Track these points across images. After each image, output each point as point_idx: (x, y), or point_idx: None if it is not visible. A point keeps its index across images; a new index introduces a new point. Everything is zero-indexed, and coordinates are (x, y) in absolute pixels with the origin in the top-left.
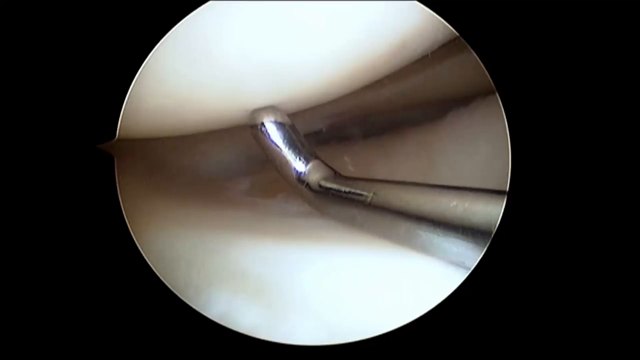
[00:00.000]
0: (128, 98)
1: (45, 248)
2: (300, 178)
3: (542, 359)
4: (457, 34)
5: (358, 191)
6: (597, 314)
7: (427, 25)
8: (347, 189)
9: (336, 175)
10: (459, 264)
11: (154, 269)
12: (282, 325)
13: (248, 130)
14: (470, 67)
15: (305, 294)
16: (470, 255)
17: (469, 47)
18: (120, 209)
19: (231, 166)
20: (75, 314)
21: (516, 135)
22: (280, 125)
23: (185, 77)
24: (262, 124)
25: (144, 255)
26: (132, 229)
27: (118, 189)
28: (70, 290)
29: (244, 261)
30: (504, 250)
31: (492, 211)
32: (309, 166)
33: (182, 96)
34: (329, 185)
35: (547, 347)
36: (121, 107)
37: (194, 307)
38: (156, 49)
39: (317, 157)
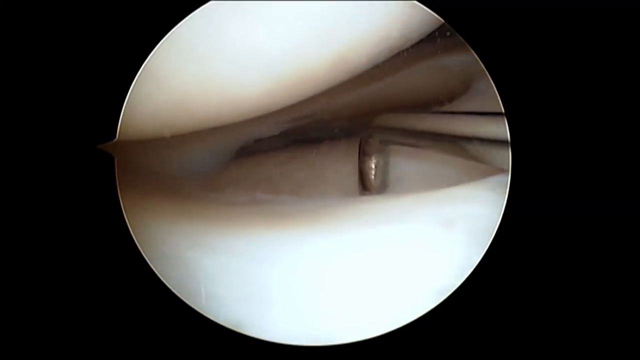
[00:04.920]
0: (128, 98)
1: (45, 248)
2: None
3: (542, 359)
4: (457, 33)
5: None
6: (597, 314)
7: (427, 24)
8: None
9: None
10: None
11: (153, 268)
12: (282, 325)
13: (248, 128)
14: (469, 66)
15: (306, 294)
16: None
17: (468, 46)
18: (120, 209)
19: (232, 165)
20: (75, 314)
21: (516, 135)
22: None
23: (185, 77)
24: None
25: (143, 255)
26: (132, 229)
27: (118, 189)
28: (70, 291)
29: (245, 260)
30: (504, 250)
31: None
32: None
33: (183, 96)
34: None
35: (547, 348)
36: (121, 107)
37: (194, 307)
38: (156, 49)
39: None
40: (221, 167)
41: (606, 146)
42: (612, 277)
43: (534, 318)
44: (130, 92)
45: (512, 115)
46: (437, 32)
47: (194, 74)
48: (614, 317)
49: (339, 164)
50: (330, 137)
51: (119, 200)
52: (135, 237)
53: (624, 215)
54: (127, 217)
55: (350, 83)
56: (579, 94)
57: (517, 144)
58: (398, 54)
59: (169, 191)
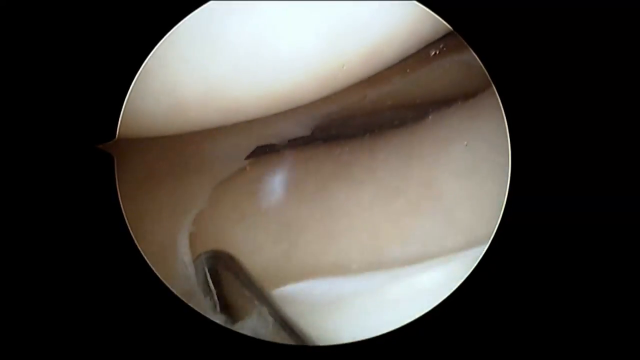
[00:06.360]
0: (128, 98)
1: (45, 248)
2: None
3: (542, 358)
4: (456, 32)
5: None
6: (597, 315)
7: (425, 24)
8: None
9: None
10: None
11: (153, 269)
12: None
13: (248, 128)
14: (468, 65)
15: (306, 294)
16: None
17: (467, 45)
18: (120, 209)
19: (232, 165)
20: (75, 314)
21: (516, 135)
22: None
23: (185, 77)
24: None
25: (144, 255)
26: (132, 229)
27: (118, 188)
28: (70, 291)
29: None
30: (504, 250)
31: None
32: None
33: (182, 96)
34: None
35: (547, 347)
36: (121, 107)
37: (194, 307)
38: (156, 49)
39: None
40: (222, 167)
41: (606, 146)
42: (612, 278)
43: (533, 318)
44: (130, 92)
45: (513, 115)
46: (447, 43)
47: (193, 74)
48: (614, 317)
49: (364, 160)
50: (354, 133)
51: (118, 200)
52: (135, 236)
53: (624, 216)
54: (126, 216)
55: (381, 77)
56: (580, 95)
57: (517, 144)
58: (427, 46)
59: (169, 191)
